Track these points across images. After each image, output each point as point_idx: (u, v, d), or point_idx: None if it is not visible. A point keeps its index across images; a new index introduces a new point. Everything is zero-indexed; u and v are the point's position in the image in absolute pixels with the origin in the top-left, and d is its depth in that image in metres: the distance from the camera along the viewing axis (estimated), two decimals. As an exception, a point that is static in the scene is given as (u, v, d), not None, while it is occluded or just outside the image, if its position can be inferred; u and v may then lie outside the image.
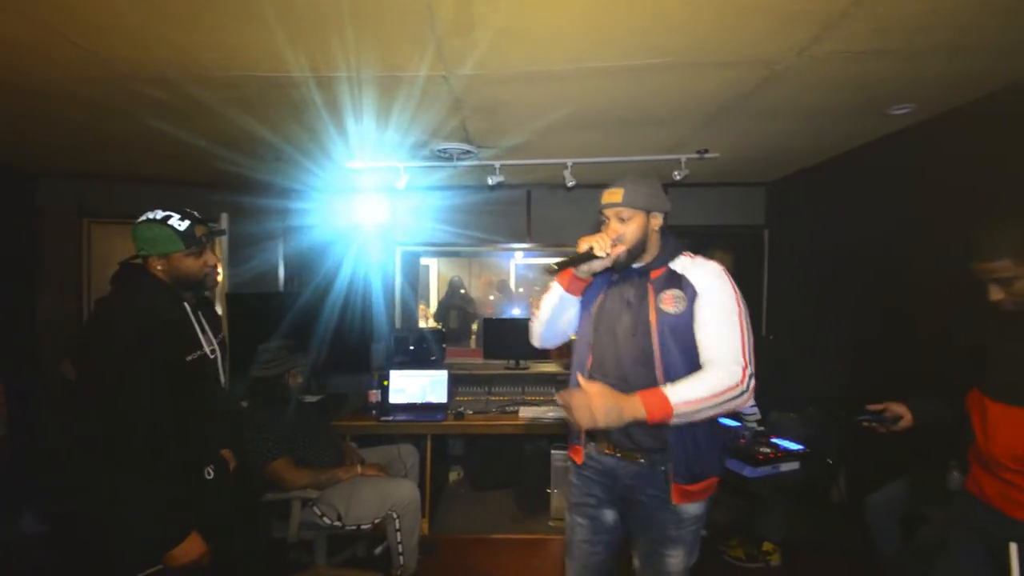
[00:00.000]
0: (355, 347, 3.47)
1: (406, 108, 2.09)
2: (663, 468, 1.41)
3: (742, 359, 1.26)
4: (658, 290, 1.42)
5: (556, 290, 1.52)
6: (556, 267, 1.43)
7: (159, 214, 1.47)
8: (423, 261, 5.27)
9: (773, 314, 3.64)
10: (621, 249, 1.43)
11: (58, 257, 3.23)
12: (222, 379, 1.59)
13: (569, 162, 2.87)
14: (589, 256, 1.42)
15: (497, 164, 2.87)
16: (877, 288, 2.64)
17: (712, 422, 1.41)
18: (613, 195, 1.45)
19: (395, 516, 2.27)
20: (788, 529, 2.58)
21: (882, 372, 2.55)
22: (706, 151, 2.77)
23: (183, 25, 1.48)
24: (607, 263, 1.44)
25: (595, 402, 1.22)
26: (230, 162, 2.85)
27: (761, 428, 2.61)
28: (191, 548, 1.39)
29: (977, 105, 2.03)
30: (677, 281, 1.41)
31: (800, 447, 2.30)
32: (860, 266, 2.76)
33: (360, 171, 3.04)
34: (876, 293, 2.65)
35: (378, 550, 2.61)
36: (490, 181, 2.91)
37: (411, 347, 3.47)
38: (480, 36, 1.55)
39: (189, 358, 1.47)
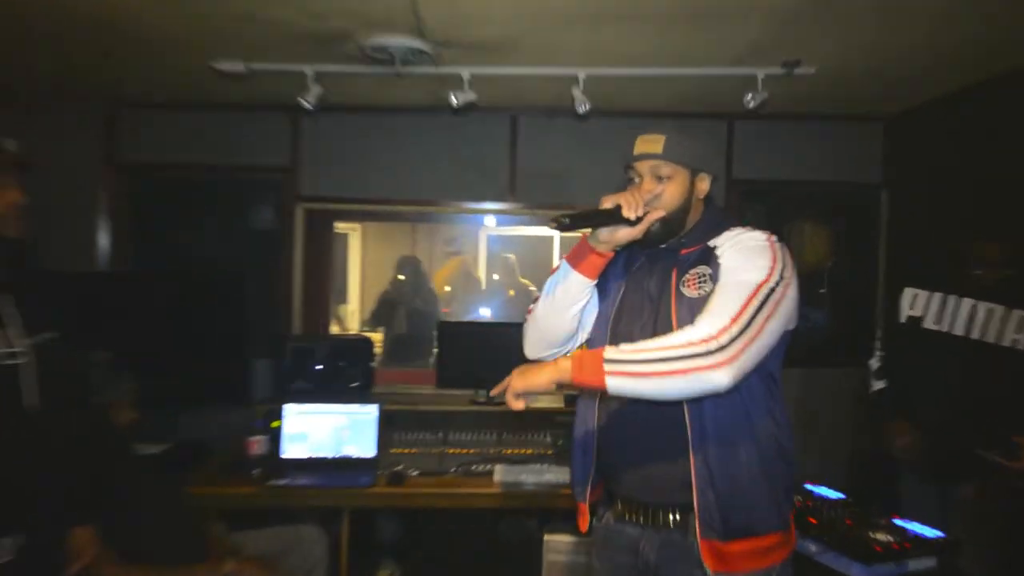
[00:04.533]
0: (225, 365, 3.49)
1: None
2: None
3: (727, 320, 1.42)
4: (683, 271, 1.62)
5: (564, 269, 1.68)
6: (567, 220, 1.56)
7: None
8: (339, 227, 5.34)
9: (895, 316, 3.61)
10: (658, 216, 1.61)
11: None
12: (24, 398, 1.62)
13: (581, 74, 2.84)
14: (614, 217, 1.57)
15: (466, 74, 2.85)
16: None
17: (760, 447, 1.56)
18: (649, 143, 1.62)
19: (290, 642, 2.26)
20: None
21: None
22: (796, 63, 2.77)
23: None
24: (635, 234, 1.60)
25: (518, 373, 1.50)
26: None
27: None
28: None
29: None
30: (707, 256, 1.61)
31: (939, 534, 2.33)
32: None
33: (242, 77, 3.01)
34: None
35: None
36: (454, 101, 2.89)
37: (319, 366, 3.48)
38: None
39: None
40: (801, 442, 2.85)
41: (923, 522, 2.40)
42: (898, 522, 2.39)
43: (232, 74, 2.94)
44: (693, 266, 1.62)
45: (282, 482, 2.88)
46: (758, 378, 1.55)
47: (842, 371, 3.72)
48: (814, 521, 2.39)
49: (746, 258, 1.54)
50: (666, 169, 1.61)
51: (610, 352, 1.41)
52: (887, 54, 2.71)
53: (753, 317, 1.43)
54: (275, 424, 3.10)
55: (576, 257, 1.66)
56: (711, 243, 1.63)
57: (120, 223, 3.76)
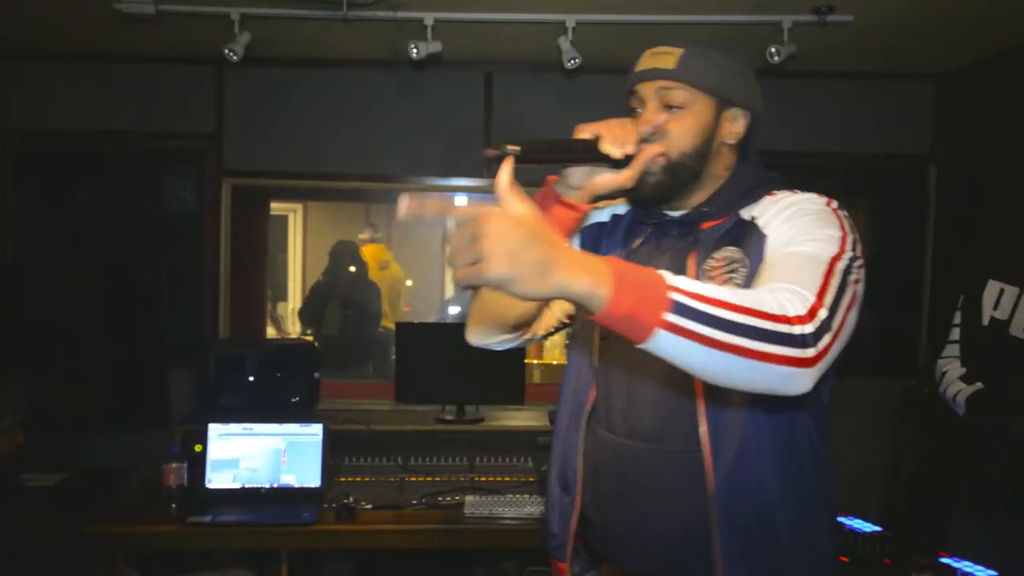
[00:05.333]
0: (137, 376, 3.51)
1: None
2: None
3: (814, 297, 1.18)
4: (705, 252, 1.44)
5: None
6: (519, 148, 1.27)
7: None
8: (275, 208, 5.44)
9: (945, 314, 3.60)
10: (655, 152, 1.40)
11: None
12: None
13: (570, 20, 2.83)
14: (590, 152, 1.35)
15: (429, 19, 2.84)
16: None
17: (808, 504, 1.40)
18: (659, 56, 1.43)
19: None
20: None
21: None
22: (830, 9, 2.77)
23: None
24: (621, 181, 1.39)
25: (500, 233, 0.97)
26: None
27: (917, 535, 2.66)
28: None
29: None
30: (740, 233, 1.43)
31: (994, 574, 2.32)
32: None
33: (152, 22, 2.96)
34: None
35: None
36: (414, 53, 2.90)
37: (251, 378, 3.50)
38: None
39: None
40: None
41: (975, 560, 2.39)
42: (946, 560, 2.39)
43: (140, 18, 2.88)
44: (719, 246, 1.43)
45: (206, 519, 2.84)
46: (811, 404, 1.39)
47: (877, 382, 3.73)
48: (846, 560, 2.38)
49: (805, 225, 1.34)
50: (680, 94, 1.41)
51: (681, 286, 1.05)
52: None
53: (837, 301, 1.21)
54: (197, 448, 3.06)
55: (538, 208, 1.40)
56: (745, 213, 1.45)
57: (1, 202, 3.73)
